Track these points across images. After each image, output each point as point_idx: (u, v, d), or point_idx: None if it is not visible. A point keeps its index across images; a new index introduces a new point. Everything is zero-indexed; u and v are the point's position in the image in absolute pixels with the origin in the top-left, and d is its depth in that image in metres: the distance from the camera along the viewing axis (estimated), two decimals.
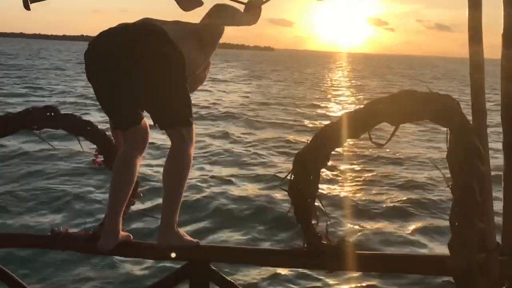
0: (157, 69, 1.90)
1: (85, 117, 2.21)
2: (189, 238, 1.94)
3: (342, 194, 9.34)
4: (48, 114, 2.09)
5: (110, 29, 2.02)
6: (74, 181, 9.57)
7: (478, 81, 1.64)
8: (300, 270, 5.57)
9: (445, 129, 1.65)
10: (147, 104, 2.00)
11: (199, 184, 9.32)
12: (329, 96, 29.94)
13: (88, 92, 20.97)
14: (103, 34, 2.00)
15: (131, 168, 2.03)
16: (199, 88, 2.33)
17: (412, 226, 7.73)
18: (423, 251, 6.65)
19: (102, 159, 2.11)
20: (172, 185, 1.95)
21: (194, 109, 2.06)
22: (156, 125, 1.99)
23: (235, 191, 9.13)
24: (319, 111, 21.88)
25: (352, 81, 46.27)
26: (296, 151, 1.90)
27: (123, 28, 1.99)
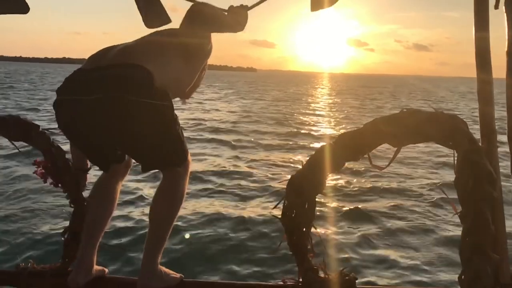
0: (143, 123, 1.63)
1: None
2: (171, 274, 1.75)
3: (341, 219, 9.09)
4: None
5: (82, 74, 1.69)
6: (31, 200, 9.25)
7: (487, 97, 1.52)
8: None
9: (452, 151, 1.52)
10: (135, 154, 1.77)
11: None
12: (310, 112, 30.27)
13: None
14: (76, 81, 1.68)
15: (113, 196, 1.85)
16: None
17: (418, 254, 7.46)
18: (431, 281, 6.38)
19: (43, 171, 1.88)
20: (161, 223, 1.74)
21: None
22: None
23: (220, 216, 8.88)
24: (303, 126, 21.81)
25: (332, 98, 46.91)
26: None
27: (100, 79, 1.64)
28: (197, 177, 10.44)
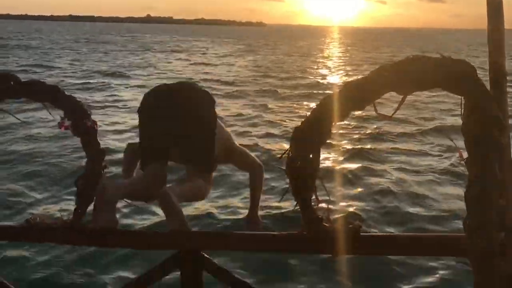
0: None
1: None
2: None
3: (344, 170, 9.03)
4: (7, 83, 1.88)
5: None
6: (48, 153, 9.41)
7: (497, 40, 1.46)
8: (300, 255, 5.36)
9: (460, 97, 1.48)
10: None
11: None
12: (320, 65, 29.98)
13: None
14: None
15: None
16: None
17: (424, 202, 7.41)
18: (437, 228, 6.40)
19: (69, 123, 1.91)
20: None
21: None
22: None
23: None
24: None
25: (342, 52, 46.13)
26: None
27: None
28: None
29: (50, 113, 1.92)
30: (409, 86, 1.56)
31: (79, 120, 1.89)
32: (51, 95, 1.85)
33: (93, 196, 1.90)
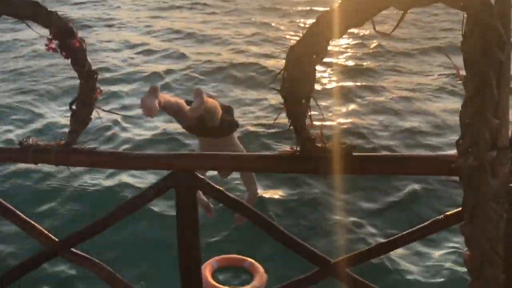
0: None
1: None
2: None
3: (342, 89, 8.93)
4: None
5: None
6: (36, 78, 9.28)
7: None
8: (293, 175, 5.50)
9: (462, 13, 1.42)
10: None
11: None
12: None
13: None
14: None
15: None
16: None
17: (420, 120, 7.40)
18: (431, 145, 6.49)
19: (57, 43, 1.84)
20: None
21: None
22: None
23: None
24: None
25: None
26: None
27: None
28: None
29: (34, 31, 1.84)
30: (410, 0, 1.49)
31: (65, 39, 1.82)
32: (32, 12, 1.76)
33: (87, 119, 1.89)
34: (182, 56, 11.31)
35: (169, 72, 10.37)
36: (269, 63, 10.66)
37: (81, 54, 1.90)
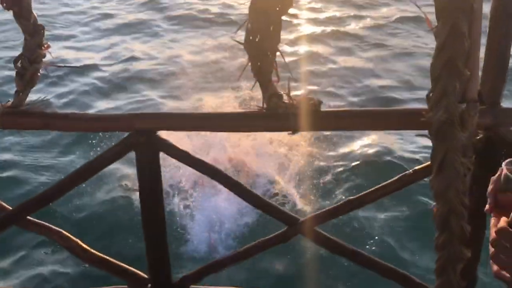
0: None
1: None
2: None
3: (307, 48, 8.70)
4: None
5: None
6: None
7: None
8: (261, 133, 5.40)
9: None
10: None
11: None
12: None
13: None
14: None
15: None
16: None
17: (392, 76, 7.28)
18: (406, 99, 6.45)
19: None
20: None
21: None
22: None
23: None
24: None
25: None
26: None
27: None
28: None
29: None
30: None
31: None
32: None
33: (35, 78, 1.74)
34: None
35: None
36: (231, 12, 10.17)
37: (26, 6, 1.73)
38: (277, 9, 1.54)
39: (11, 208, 1.88)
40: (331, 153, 5.65)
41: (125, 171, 5.41)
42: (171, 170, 4.94)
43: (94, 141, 5.77)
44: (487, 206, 1.04)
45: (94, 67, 7.91)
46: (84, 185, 4.50)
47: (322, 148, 5.69)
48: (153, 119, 1.65)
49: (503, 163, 1.04)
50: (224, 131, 2.08)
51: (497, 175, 1.03)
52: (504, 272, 0.87)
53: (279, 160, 5.55)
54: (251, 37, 1.57)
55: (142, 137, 1.66)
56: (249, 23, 1.57)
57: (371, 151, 5.65)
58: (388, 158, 5.53)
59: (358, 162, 5.50)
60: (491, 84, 1.60)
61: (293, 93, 1.61)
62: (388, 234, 4.68)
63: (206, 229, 4.76)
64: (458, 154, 1.42)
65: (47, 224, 1.92)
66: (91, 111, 6.53)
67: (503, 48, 1.60)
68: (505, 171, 1.01)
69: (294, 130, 1.59)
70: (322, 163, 5.51)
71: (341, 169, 5.42)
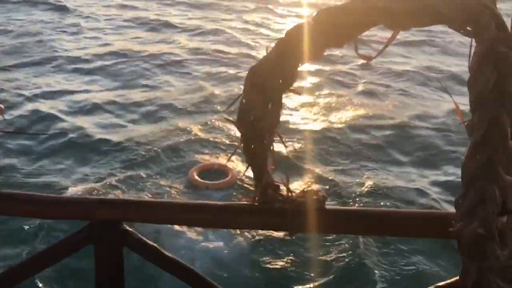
0: None
1: None
2: None
3: (309, 127, 7.93)
4: None
5: None
6: None
7: None
8: (251, 231, 4.57)
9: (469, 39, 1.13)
10: None
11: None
12: None
13: None
14: None
15: None
16: None
17: (401, 173, 6.46)
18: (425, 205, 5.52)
19: None
20: None
21: None
22: None
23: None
24: None
25: None
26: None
27: None
28: None
29: None
30: (404, 18, 1.19)
31: None
32: None
33: None
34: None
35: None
36: (222, 88, 9.75)
37: None
38: (278, 85, 1.29)
39: None
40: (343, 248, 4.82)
41: (80, 264, 4.38)
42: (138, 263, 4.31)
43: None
44: None
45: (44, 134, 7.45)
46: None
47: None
48: (120, 208, 1.34)
49: None
50: (206, 227, 1.79)
51: None
52: None
53: None
54: (245, 115, 1.31)
55: (104, 229, 1.34)
56: (243, 99, 1.31)
57: (390, 252, 4.84)
58: (409, 263, 4.74)
59: (375, 264, 4.76)
60: None
61: (292, 184, 1.33)
62: None
63: None
64: (496, 277, 1.15)
65: None
66: None
67: None
68: None
69: (291, 231, 1.30)
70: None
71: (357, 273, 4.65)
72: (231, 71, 10.25)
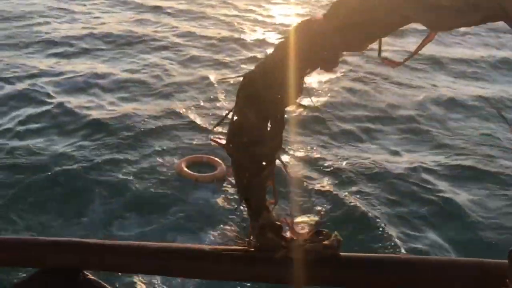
0: None
1: None
2: None
3: (317, 153, 6.57)
4: None
5: None
6: None
7: None
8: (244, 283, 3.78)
9: None
10: None
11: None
12: None
13: None
14: None
15: None
16: None
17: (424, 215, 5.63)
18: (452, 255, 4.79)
19: None
20: None
21: None
22: None
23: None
24: None
25: None
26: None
27: None
28: None
29: None
30: (446, 15, 0.90)
31: None
32: None
33: None
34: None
35: None
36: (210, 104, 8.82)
37: None
38: (278, 98, 1.01)
39: None
40: None
41: None
42: None
43: None
44: None
45: None
46: None
47: None
48: (79, 252, 1.06)
49: None
50: (188, 277, 1.49)
51: None
52: None
53: None
54: (237, 137, 1.03)
55: (59, 277, 1.06)
56: (235, 115, 1.03)
57: None
58: None
59: None
60: None
61: (296, 222, 1.06)
62: None
63: None
64: None
65: None
66: None
67: None
68: None
69: (297, 285, 1.03)
70: None
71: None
72: (222, 55, 9.85)
